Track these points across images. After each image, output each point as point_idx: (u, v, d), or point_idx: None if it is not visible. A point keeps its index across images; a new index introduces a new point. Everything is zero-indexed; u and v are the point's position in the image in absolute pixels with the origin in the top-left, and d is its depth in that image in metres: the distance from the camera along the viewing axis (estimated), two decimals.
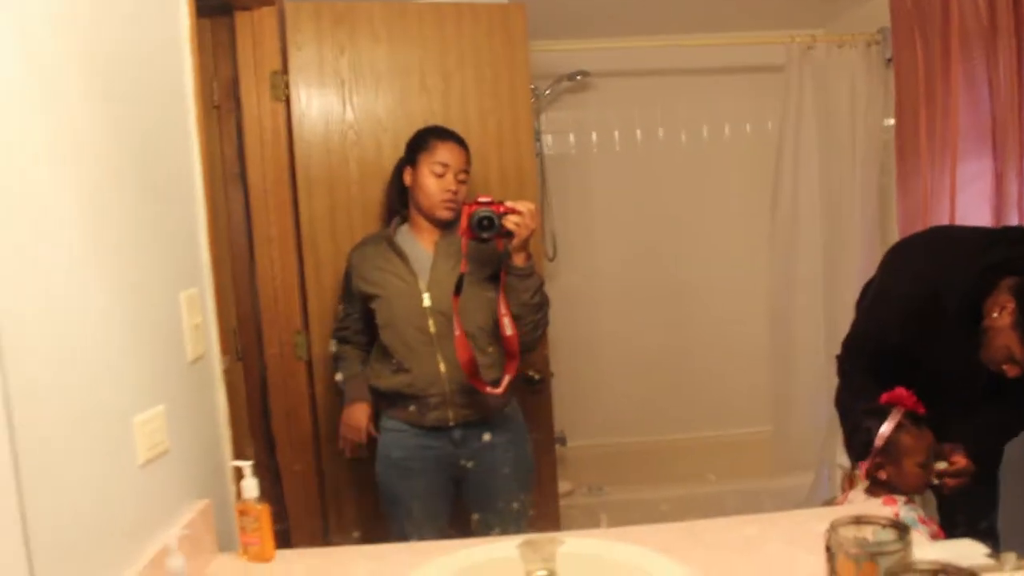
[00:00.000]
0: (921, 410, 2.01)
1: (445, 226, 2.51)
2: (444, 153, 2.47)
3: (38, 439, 1.24)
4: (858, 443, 2.10)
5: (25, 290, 1.25)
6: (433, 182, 2.46)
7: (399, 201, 2.59)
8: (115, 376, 1.52)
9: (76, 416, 1.38)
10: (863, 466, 2.06)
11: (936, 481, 2.05)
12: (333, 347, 2.62)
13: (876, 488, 2.03)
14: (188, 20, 1.93)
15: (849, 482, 2.18)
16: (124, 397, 1.55)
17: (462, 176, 2.49)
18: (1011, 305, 1.87)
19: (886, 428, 1.99)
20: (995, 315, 1.91)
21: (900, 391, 2.02)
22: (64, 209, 1.40)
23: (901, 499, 1.95)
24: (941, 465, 2.05)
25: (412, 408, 2.44)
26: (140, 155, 1.69)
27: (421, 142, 2.52)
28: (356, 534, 2.77)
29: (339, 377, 2.60)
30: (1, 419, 1.18)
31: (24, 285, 1.25)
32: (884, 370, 2.20)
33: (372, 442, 2.56)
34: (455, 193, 2.46)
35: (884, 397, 2.04)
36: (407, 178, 2.53)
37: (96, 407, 1.45)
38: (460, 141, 2.52)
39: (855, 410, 2.18)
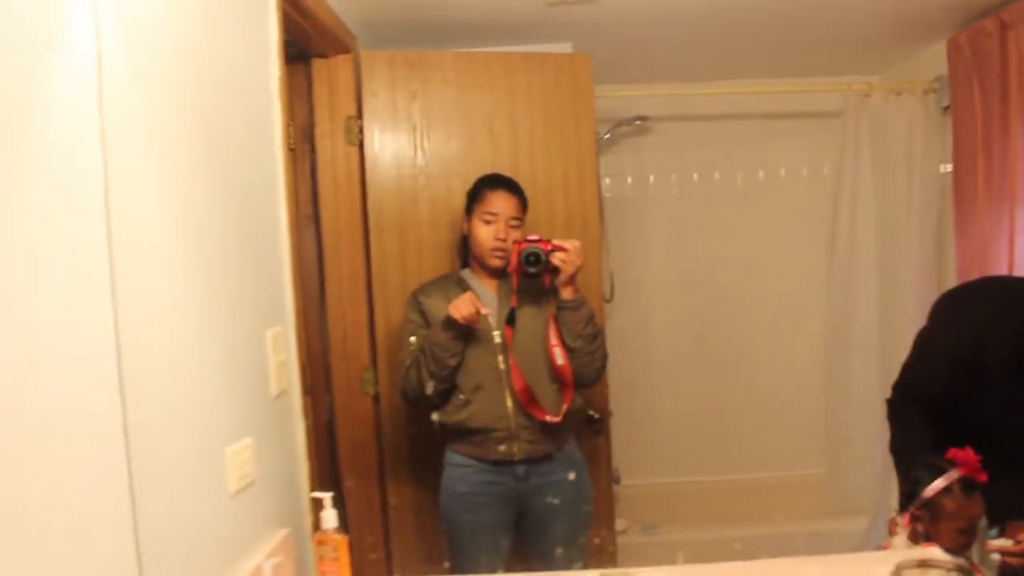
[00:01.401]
0: (981, 478, 1.96)
1: (500, 274, 2.57)
2: (494, 202, 2.54)
3: (149, 470, 1.34)
4: (905, 491, 2.10)
5: (141, 331, 1.35)
6: (483, 230, 2.53)
7: (464, 248, 2.67)
8: (211, 410, 1.62)
9: (179, 448, 1.48)
10: (905, 516, 2.06)
11: (997, 557, 2.01)
12: (429, 389, 2.47)
13: (917, 537, 2.02)
14: (278, 72, 2.05)
15: (892, 527, 2.17)
16: (218, 430, 1.64)
17: (514, 223, 2.54)
18: None
19: (935, 485, 1.99)
20: None
21: (967, 453, 1.99)
22: (172, 257, 1.50)
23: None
24: (1001, 542, 1.99)
25: (478, 442, 2.50)
26: (235, 202, 1.80)
27: (474, 192, 2.60)
28: (420, 566, 2.84)
29: (436, 416, 2.55)
30: (120, 453, 1.27)
31: (141, 327, 1.35)
32: (936, 417, 2.21)
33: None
34: (504, 241, 2.51)
35: (951, 452, 2.03)
36: (465, 227, 2.61)
37: (195, 440, 1.55)
38: (512, 188, 2.58)
39: (908, 457, 2.18)
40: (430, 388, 2.45)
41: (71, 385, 1.21)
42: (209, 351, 1.62)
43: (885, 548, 2.12)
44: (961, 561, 1.75)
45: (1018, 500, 2.06)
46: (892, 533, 2.11)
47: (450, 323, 2.40)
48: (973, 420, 2.12)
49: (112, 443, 1.27)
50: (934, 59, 3.56)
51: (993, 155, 3.10)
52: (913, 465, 2.09)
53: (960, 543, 1.96)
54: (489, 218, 2.52)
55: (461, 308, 2.37)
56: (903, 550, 1.98)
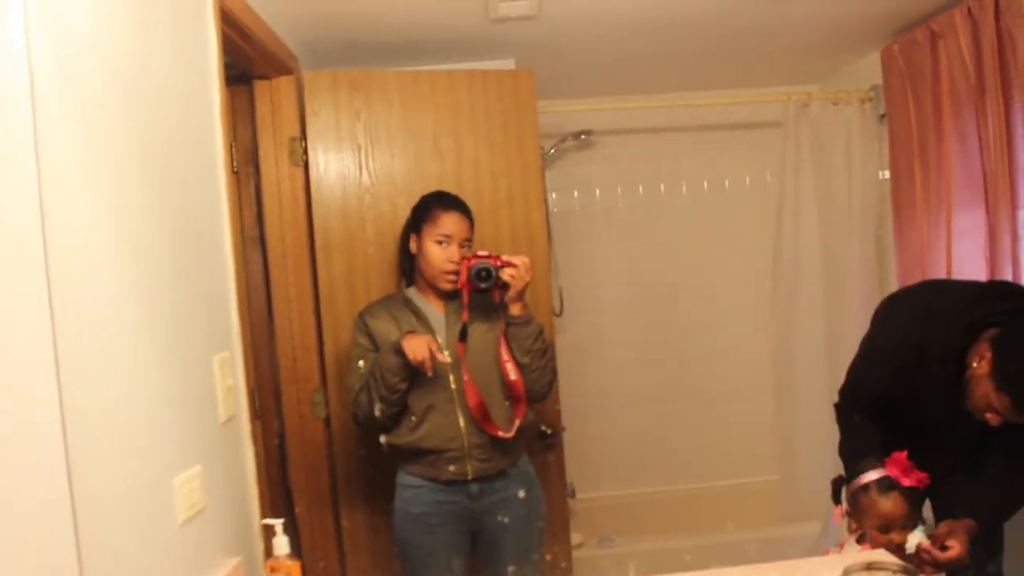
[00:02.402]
0: (905, 481, 2.00)
1: (448, 295, 2.56)
2: (447, 224, 2.52)
3: (93, 502, 1.31)
4: (838, 486, 2.16)
5: (82, 360, 1.33)
6: (436, 251, 2.51)
7: (408, 265, 2.65)
8: (158, 439, 1.60)
9: (126, 478, 1.45)
10: (837, 509, 2.10)
11: (912, 546, 2.00)
12: (378, 412, 2.44)
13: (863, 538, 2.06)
14: (220, 94, 2.03)
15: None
16: (166, 459, 1.62)
17: (466, 244, 2.54)
18: (988, 354, 1.93)
19: (858, 480, 2.03)
20: (975, 365, 1.97)
21: (901, 455, 2.03)
22: (111, 283, 1.48)
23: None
24: (925, 542, 1.98)
25: (431, 463, 2.48)
26: (178, 225, 1.78)
27: (425, 211, 2.57)
28: None
29: (384, 439, 2.53)
30: (63, 486, 1.25)
31: (83, 355, 1.33)
32: (882, 419, 2.25)
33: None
34: (457, 264, 2.50)
35: (891, 456, 2.07)
36: (412, 245, 2.58)
37: (141, 470, 1.52)
38: (464, 210, 2.57)
39: (856, 460, 2.22)
40: (379, 411, 2.43)
41: (7, 413, 1.18)
42: (154, 379, 1.60)
43: (825, 555, 2.15)
44: (907, 563, 1.78)
45: (961, 499, 2.11)
46: (850, 532, 2.14)
47: (399, 348, 2.39)
48: (917, 422, 2.16)
49: (53, 475, 1.24)
50: (870, 68, 3.64)
51: (929, 162, 3.17)
52: (855, 463, 2.14)
53: (882, 542, 1.99)
54: (442, 239, 2.51)
55: (416, 351, 2.33)
56: (852, 553, 2.01)
